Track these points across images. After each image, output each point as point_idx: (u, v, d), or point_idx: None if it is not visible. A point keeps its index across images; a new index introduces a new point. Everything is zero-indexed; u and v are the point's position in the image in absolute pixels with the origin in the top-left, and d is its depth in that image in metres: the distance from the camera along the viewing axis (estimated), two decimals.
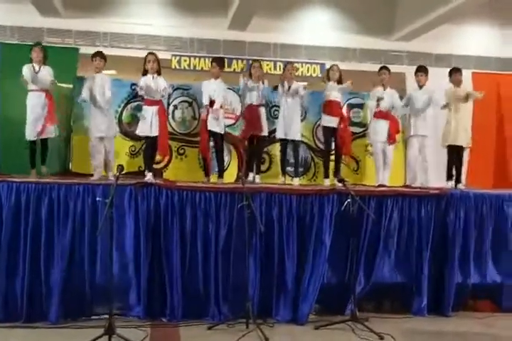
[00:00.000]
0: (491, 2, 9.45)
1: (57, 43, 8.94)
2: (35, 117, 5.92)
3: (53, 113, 6.03)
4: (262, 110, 6.63)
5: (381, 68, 6.83)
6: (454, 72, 6.80)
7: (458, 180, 6.67)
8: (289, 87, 6.50)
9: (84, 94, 6.09)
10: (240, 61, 9.69)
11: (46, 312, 4.97)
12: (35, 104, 5.95)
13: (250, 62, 8.84)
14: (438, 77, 7.11)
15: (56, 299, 4.97)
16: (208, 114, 6.27)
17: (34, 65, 6.01)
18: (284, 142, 6.60)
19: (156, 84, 6.00)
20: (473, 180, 7.23)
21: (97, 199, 5.08)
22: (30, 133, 5.95)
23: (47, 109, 5.97)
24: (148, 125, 5.99)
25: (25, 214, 5.05)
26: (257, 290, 5.28)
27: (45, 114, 5.95)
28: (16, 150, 6.44)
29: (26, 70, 5.93)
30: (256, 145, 6.64)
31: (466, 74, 7.24)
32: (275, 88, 6.68)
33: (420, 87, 6.77)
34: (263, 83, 6.61)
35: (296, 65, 9.49)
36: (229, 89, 6.82)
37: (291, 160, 6.71)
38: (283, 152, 6.66)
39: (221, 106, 6.33)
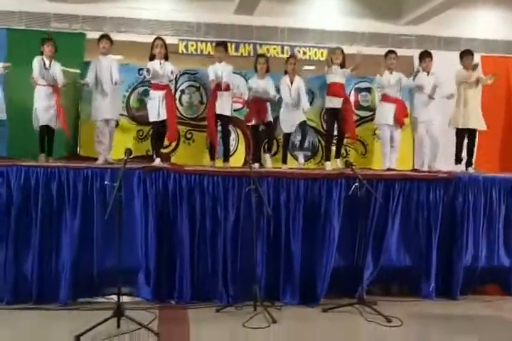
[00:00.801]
0: None
1: (64, 28, 8.89)
2: (45, 106, 5.98)
3: (60, 107, 6.07)
4: (267, 104, 6.58)
5: (388, 53, 6.75)
6: (466, 55, 6.72)
7: (469, 163, 6.63)
8: (291, 83, 6.46)
9: (88, 78, 6.09)
10: (247, 45, 9.64)
11: (56, 294, 5.03)
12: (43, 95, 6.01)
13: (257, 46, 8.84)
14: (447, 60, 7.03)
15: (66, 281, 5.03)
16: (215, 98, 6.25)
17: (44, 58, 6.03)
18: (288, 134, 6.57)
19: (163, 69, 5.99)
20: (481, 163, 7.19)
21: (106, 183, 5.10)
22: (38, 120, 6.00)
23: (54, 101, 6.03)
24: (156, 109, 5.98)
25: (35, 198, 5.10)
26: (264, 273, 5.32)
27: (54, 104, 6.02)
28: (24, 136, 6.47)
29: (36, 64, 5.97)
30: (266, 129, 6.61)
31: (475, 58, 7.15)
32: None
33: (428, 72, 6.70)
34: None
35: (303, 49, 9.51)
36: (236, 73, 6.77)
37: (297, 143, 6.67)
38: (285, 143, 6.63)
39: (228, 88, 6.28)
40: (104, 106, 6.13)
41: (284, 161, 6.57)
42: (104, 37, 6.28)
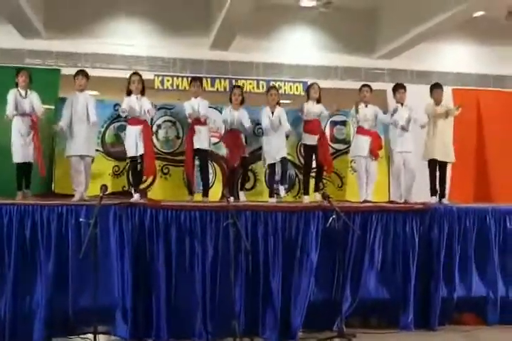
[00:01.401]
0: (468, 21, 9.63)
1: (39, 65, 8.93)
2: (21, 143, 5.94)
3: (38, 138, 6.04)
4: (242, 135, 6.66)
5: (362, 86, 6.89)
6: (435, 89, 6.88)
7: (442, 195, 6.71)
8: (272, 113, 6.53)
9: (62, 120, 6.06)
10: (222, 80, 9.76)
11: (30, 334, 4.91)
12: (20, 128, 5.97)
13: (233, 81, 8.95)
14: (419, 94, 7.17)
15: (40, 321, 4.93)
16: (193, 132, 6.29)
17: (20, 90, 6.03)
18: (272, 165, 6.59)
19: (140, 104, 6.02)
20: (455, 194, 7.28)
21: (81, 219, 5.05)
22: (17, 157, 5.95)
23: (33, 133, 6.00)
24: (134, 144, 5.98)
25: (8, 236, 5.02)
26: (243, 309, 5.26)
27: (31, 140, 5.98)
28: None
29: (11, 96, 5.95)
30: (241, 165, 6.63)
31: (447, 91, 7.32)
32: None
33: (402, 104, 6.83)
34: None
35: (279, 83, 9.65)
36: (212, 108, 6.82)
37: (278, 179, 6.69)
38: (271, 174, 6.63)
39: (205, 122, 6.34)
40: (78, 142, 6.06)
41: (271, 195, 6.56)
42: (80, 73, 6.27)
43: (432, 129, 6.73)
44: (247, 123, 6.54)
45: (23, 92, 6.04)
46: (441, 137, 6.71)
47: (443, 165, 6.79)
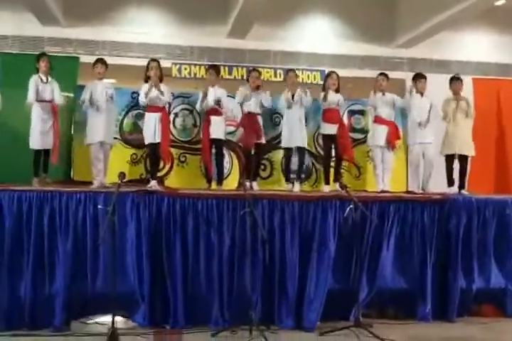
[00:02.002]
0: (489, 10, 9.49)
1: (58, 52, 8.94)
2: (40, 130, 5.98)
3: (57, 125, 6.08)
4: (260, 118, 6.61)
5: (378, 75, 6.82)
6: (454, 81, 6.79)
7: (462, 186, 6.64)
8: (293, 96, 6.50)
9: (84, 97, 6.12)
10: (240, 68, 9.72)
11: (49, 319, 4.97)
12: (41, 114, 6.00)
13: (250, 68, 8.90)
14: (438, 83, 7.10)
15: (59, 306, 4.97)
16: (208, 122, 6.28)
17: (41, 75, 6.06)
18: (289, 150, 6.58)
19: (158, 92, 6.02)
20: (475, 186, 7.20)
21: (99, 207, 5.08)
22: (36, 143, 6.00)
23: (53, 120, 6.04)
24: (152, 131, 6.00)
25: (28, 223, 5.06)
26: (260, 297, 5.26)
27: (51, 124, 6.02)
28: (15, 160, 6.45)
29: (33, 82, 5.98)
30: (255, 153, 6.62)
31: (467, 80, 7.23)
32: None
33: (421, 94, 6.75)
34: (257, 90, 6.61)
35: (296, 72, 9.57)
36: (229, 96, 6.80)
37: (294, 168, 6.67)
38: (287, 160, 6.63)
39: (220, 112, 6.34)
40: (98, 130, 6.10)
41: (287, 179, 6.58)
42: (99, 61, 6.30)
43: (452, 124, 6.66)
44: (267, 102, 6.52)
45: (44, 78, 6.06)
46: (461, 131, 6.64)
47: (463, 158, 6.72)
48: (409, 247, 5.68)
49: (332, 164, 6.77)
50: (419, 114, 6.63)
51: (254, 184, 6.57)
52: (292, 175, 6.67)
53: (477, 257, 5.75)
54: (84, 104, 6.16)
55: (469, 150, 6.70)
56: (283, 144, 6.61)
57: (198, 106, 6.50)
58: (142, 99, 6.10)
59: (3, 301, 4.94)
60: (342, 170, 7.11)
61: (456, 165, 6.78)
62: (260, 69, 9.59)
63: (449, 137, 6.68)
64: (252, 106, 6.54)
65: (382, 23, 10.40)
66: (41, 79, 6.04)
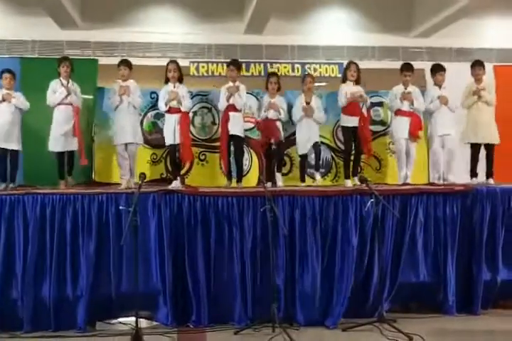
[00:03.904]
0: None
1: (77, 55, 9.04)
2: (60, 133, 6.05)
3: (79, 126, 6.16)
4: (279, 124, 6.57)
5: (404, 69, 6.67)
6: (475, 66, 6.69)
7: (489, 175, 6.55)
8: (308, 103, 6.48)
9: (114, 98, 6.18)
10: (257, 65, 9.69)
11: (74, 320, 5.05)
12: (62, 117, 6.08)
13: (268, 65, 8.88)
14: (459, 72, 6.98)
15: (83, 306, 5.06)
16: (227, 118, 6.29)
17: (62, 79, 6.14)
18: (304, 154, 6.59)
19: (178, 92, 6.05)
20: (499, 175, 7.08)
21: (120, 207, 5.14)
22: (56, 146, 6.08)
23: (73, 123, 6.10)
24: (172, 133, 6.02)
25: (51, 225, 5.15)
26: (283, 293, 5.26)
27: (72, 127, 6.08)
28: (39, 163, 6.56)
29: (53, 85, 6.08)
30: (276, 148, 6.61)
31: (488, 68, 7.10)
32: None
33: (440, 86, 6.67)
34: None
35: (314, 65, 9.51)
36: (248, 93, 6.80)
37: (312, 162, 6.67)
38: (303, 161, 6.63)
39: (240, 109, 6.33)
40: (125, 130, 6.14)
41: (302, 179, 6.57)
42: (124, 63, 6.32)
43: (474, 111, 6.56)
44: (283, 114, 6.52)
45: (64, 82, 6.13)
46: (484, 119, 6.54)
47: (489, 147, 6.62)
48: (433, 240, 5.61)
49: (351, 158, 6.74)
50: (436, 106, 6.55)
51: (278, 175, 6.53)
52: (310, 170, 6.65)
53: (502, 249, 5.66)
54: (113, 105, 6.21)
55: (494, 139, 6.60)
56: (299, 150, 6.61)
57: (220, 105, 6.46)
58: (162, 108, 6.14)
59: (28, 303, 5.03)
60: (362, 164, 7.06)
61: (481, 154, 6.68)
62: (278, 65, 9.64)
63: (472, 125, 6.58)
64: (271, 112, 6.52)
65: (399, 13, 10.25)
66: (62, 83, 6.11)
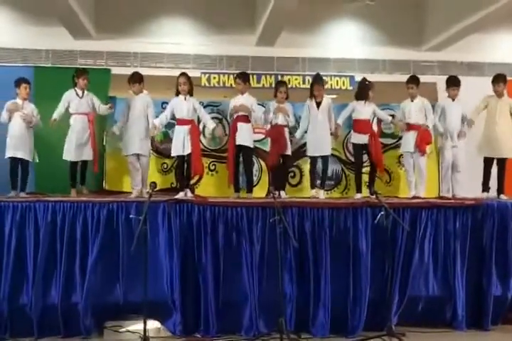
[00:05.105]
0: None
1: (90, 65, 9.16)
2: (78, 140, 6.14)
3: (94, 137, 6.24)
4: (286, 130, 6.60)
5: (409, 81, 6.69)
6: (495, 81, 6.68)
7: (500, 191, 6.50)
8: (319, 103, 6.50)
9: (117, 125, 6.32)
10: (268, 76, 9.73)
11: (82, 327, 5.05)
12: (78, 127, 6.17)
13: (279, 77, 8.90)
14: (470, 86, 6.99)
15: (92, 315, 5.08)
16: (235, 129, 6.31)
17: (77, 90, 6.23)
18: (314, 158, 6.57)
19: (188, 105, 6.08)
20: (509, 189, 7.04)
21: (131, 216, 5.15)
22: (71, 155, 6.15)
23: (89, 133, 6.19)
24: (181, 144, 6.02)
25: (61, 232, 5.19)
26: (293, 305, 5.25)
27: (87, 136, 6.18)
28: (52, 171, 6.60)
29: (68, 95, 6.20)
30: (282, 163, 6.62)
31: None
32: None
33: (453, 100, 6.68)
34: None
35: (325, 78, 9.54)
36: (259, 104, 6.82)
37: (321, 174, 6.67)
38: (313, 167, 6.61)
39: (248, 120, 6.34)
40: (134, 142, 6.19)
41: (312, 186, 6.56)
42: (135, 78, 6.33)
43: (489, 124, 6.56)
44: (291, 120, 6.53)
45: (79, 92, 6.21)
46: (503, 134, 6.52)
47: (502, 161, 6.60)
48: (442, 254, 5.59)
49: (364, 170, 6.73)
50: (449, 120, 6.55)
51: (283, 193, 6.52)
52: (318, 181, 6.66)
53: None
54: (122, 119, 6.30)
55: (508, 153, 6.59)
56: (308, 153, 6.61)
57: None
58: (163, 121, 6.20)
59: (37, 309, 5.04)
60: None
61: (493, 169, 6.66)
62: (289, 77, 9.66)
63: (490, 140, 6.56)
64: (279, 118, 6.54)
65: (410, 27, 10.30)
66: (77, 93, 6.20)
